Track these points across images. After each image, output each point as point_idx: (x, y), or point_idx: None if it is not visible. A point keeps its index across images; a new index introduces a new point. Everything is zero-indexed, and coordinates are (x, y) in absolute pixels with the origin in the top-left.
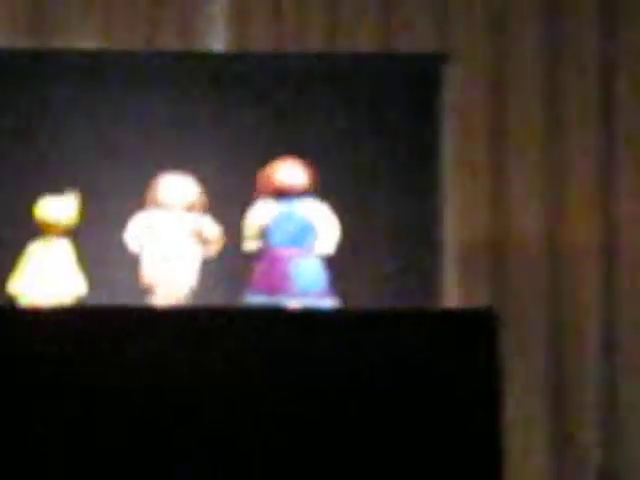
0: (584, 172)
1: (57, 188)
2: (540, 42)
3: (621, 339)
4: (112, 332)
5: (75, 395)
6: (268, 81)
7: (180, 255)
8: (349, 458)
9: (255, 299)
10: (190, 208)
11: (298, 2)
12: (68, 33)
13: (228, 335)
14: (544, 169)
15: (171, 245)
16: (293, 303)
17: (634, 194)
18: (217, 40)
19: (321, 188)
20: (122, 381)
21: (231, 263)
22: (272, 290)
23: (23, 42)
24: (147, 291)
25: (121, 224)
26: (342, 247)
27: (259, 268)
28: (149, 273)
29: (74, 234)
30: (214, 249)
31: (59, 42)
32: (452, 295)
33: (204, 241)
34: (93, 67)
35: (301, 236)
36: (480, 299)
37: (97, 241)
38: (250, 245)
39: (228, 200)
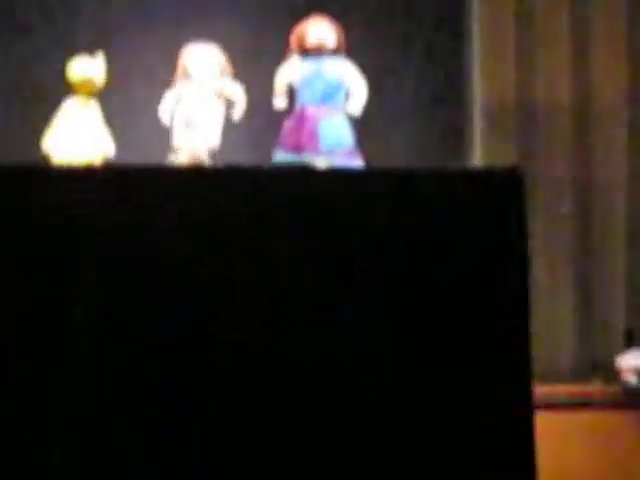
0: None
1: (90, 48)
2: None
3: None
4: (142, 192)
5: (118, 247)
6: None
7: (202, 118)
8: (387, 313)
9: (283, 157)
10: (216, 75)
11: None
12: None
13: (253, 195)
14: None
15: (194, 109)
16: (320, 161)
17: None
18: None
19: (352, 51)
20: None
21: (260, 123)
22: (300, 148)
23: None
24: (173, 153)
25: (149, 86)
26: (369, 109)
27: (287, 126)
28: (175, 137)
29: (102, 95)
30: (239, 110)
31: None
32: (480, 155)
33: (227, 102)
34: None
35: (330, 94)
36: (507, 159)
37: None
38: (279, 103)
39: (260, 59)
